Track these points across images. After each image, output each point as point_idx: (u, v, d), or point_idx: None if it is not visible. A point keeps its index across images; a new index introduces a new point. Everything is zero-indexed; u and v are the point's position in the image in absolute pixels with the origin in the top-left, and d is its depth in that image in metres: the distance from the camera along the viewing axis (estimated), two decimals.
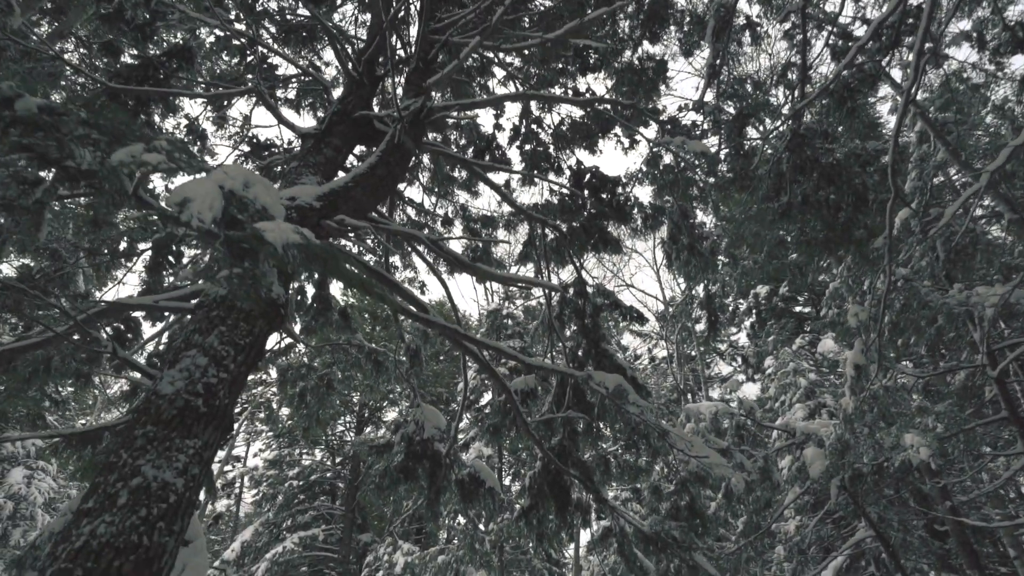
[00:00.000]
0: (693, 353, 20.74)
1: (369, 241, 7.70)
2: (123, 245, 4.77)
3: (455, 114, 8.85)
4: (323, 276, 2.13)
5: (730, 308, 17.42)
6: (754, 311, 16.27)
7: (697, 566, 5.19)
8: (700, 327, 21.99)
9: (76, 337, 3.33)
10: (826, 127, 5.97)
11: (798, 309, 16.58)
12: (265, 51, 6.37)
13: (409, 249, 8.20)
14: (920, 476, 6.93)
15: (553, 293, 5.83)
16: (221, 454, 19.28)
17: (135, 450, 2.23)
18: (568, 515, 5.69)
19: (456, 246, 8.32)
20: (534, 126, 8.05)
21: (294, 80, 6.07)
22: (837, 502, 5.89)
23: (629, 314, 5.68)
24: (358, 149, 5.97)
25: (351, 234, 3.82)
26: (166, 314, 4.23)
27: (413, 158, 8.28)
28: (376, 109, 5.05)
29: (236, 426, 18.93)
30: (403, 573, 11.90)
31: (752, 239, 6.03)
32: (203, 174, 2.37)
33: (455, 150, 5.41)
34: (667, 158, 6.71)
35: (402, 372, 6.08)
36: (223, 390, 2.55)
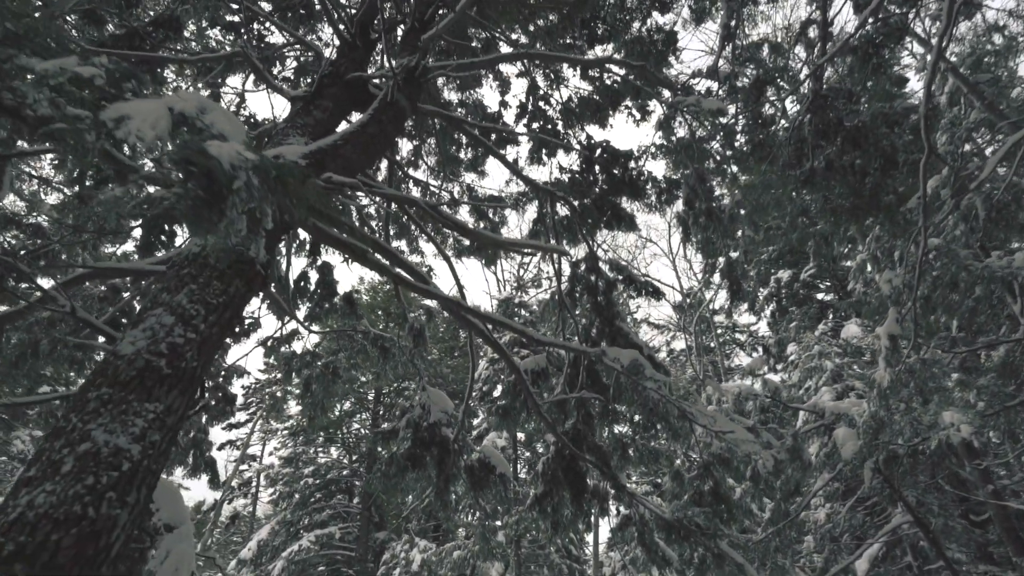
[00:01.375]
0: (712, 344, 20.29)
1: (373, 224, 7.47)
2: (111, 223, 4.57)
3: (456, 97, 8.61)
4: (291, 215, 1.86)
5: (750, 295, 16.96)
6: (775, 298, 15.81)
7: (723, 554, 4.86)
8: (719, 319, 21.50)
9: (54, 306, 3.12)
10: (850, 87, 5.60)
11: (820, 296, 16.10)
12: (259, 27, 6.16)
13: (416, 232, 7.97)
14: (958, 459, 6.51)
15: (564, 269, 5.54)
16: (236, 453, 19.25)
17: (86, 414, 1.99)
18: (584, 502, 5.40)
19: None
20: (541, 103, 7.77)
21: (288, 51, 5.85)
22: (871, 486, 5.49)
23: (644, 289, 5.37)
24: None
25: (347, 199, 3.56)
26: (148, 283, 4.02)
27: (409, 123, 8.02)
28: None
29: (251, 426, 18.87)
30: (420, 570, 11.68)
31: (774, 209, 5.68)
32: None
33: (455, 114, 5.13)
34: (681, 131, 6.39)
35: (408, 356, 5.82)
36: (191, 351, 2.30)
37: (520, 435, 12.07)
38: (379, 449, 5.48)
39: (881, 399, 4.74)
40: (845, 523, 7.14)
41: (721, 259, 4.89)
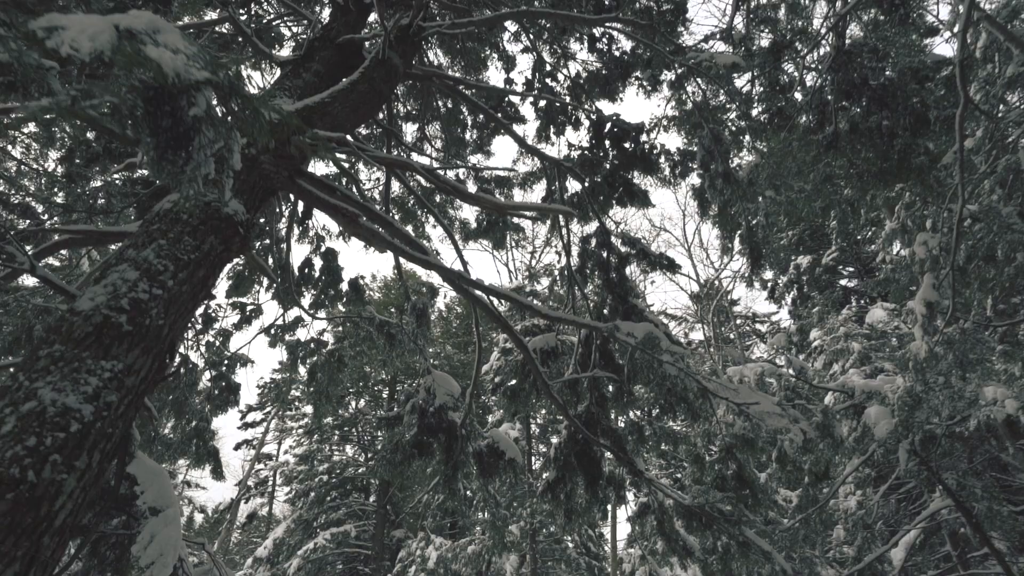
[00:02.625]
0: (731, 336, 19.85)
1: (376, 208, 7.27)
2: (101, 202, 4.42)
3: (457, 76, 8.38)
4: (252, 142, 1.65)
5: (769, 283, 16.53)
6: (795, 285, 15.38)
7: (748, 542, 4.56)
8: (738, 309, 21.02)
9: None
10: (875, 43, 5.26)
11: (844, 282, 15.62)
12: (256, 8, 6.00)
13: (422, 217, 7.76)
14: (998, 441, 6.12)
15: (572, 244, 5.27)
16: (251, 453, 19.24)
17: (35, 372, 1.79)
18: (599, 489, 5.13)
19: (469, 214, 7.83)
20: (548, 80, 7.52)
21: (285, 28, 5.67)
22: (907, 469, 5.13)
23: (659, 263, 5.08)
24: None
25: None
26: None
27: (413, 108, 7.81)
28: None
29: (265, 424, 18.84)
30: (436, 567, 11.50)
31: (795, 177, 5.37)
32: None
33: (452, 80, 4.90)
34: (695, 98, 6.10)
35: (411, 338, 5.60)
36: (157, 308, 2.09)
37: (534, 428, 11.81)
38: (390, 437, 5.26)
39: (917, 373, 4.39)
40: (878, 510, 6.76)
41: (740, 231, 4.59)
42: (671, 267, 5.00)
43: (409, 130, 7.94)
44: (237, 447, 19.43)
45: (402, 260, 6.17)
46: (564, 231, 5.15)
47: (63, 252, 6.29)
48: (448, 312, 20.57)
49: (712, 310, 16.99)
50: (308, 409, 18.89)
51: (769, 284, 16.64)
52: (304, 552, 13.86)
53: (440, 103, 7.92)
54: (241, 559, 20.24)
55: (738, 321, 20.12)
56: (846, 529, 6.95)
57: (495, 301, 4.32)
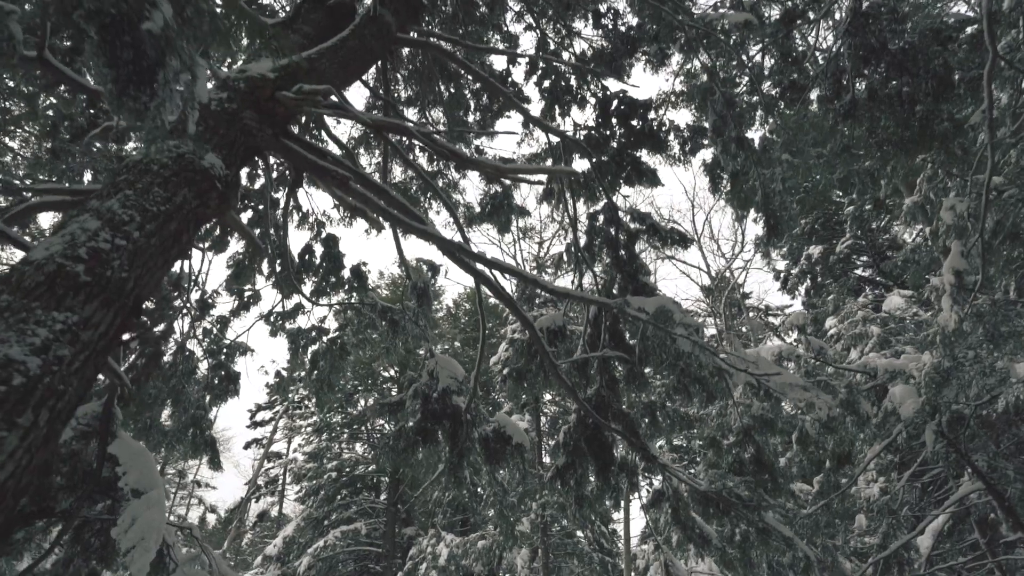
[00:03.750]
0: (744, 328, 19.53)
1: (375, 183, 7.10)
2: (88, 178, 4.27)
3: (455, 39, 8.17)
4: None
5: (782, 274, 16.23)
6: (808, 275, 15.06)
7: (768, 528, 4.32)
8: (753, 302, 20.67)
9: None
10: (894, 3, 5.01)
11: (859, 272, 15.28)
12: None
13: (424, 202, 7.59)
14: None
15: (578, 220, 5.06)
16: (259, 452, 19.17)
17: None
18: (611, 476, 4.91)
19: (472, 198, 7.64)
20: (552, 59, 7.32)
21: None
22: (934, 451, 4.86)
23: (670, 238, 4.86)
24: None
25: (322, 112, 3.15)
26: None
27: (412, 91, 7.62)
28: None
29: (274, 424, 18.75)
30: (447, 564, 11.33)
31: (811, 147, 5.14)
32: None
33: (450, 43, 4.70)
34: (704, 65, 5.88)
35: (413, 320, 5.42)
36: (120, 260, 1.91)
37: (543, 421, 11.58)
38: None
39: (945, 347, 4.13)
40: (903, 496, 6.46)
41: (755, 202, 4.36)
42: (683, 242, 4.79)
43: (410, 115, 7.77)
44: (247, 446, 19.38)
45: (402, 243, 5.98)
46: (570, 205, 4.94)
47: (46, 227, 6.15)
48: (456, 308, 20.41)
49: (724, 302, 16.69)
50: (315, 405, 18.78)
51: (782, 275, 16.33)
52: (314, 550, 13.73)
53: (442, 87, 7.75)
54: (252, 559, 20.16)
55: (751, 314, 19.80)
56: (869, 517, 6.67)
57: (498, 276, 4.12)
